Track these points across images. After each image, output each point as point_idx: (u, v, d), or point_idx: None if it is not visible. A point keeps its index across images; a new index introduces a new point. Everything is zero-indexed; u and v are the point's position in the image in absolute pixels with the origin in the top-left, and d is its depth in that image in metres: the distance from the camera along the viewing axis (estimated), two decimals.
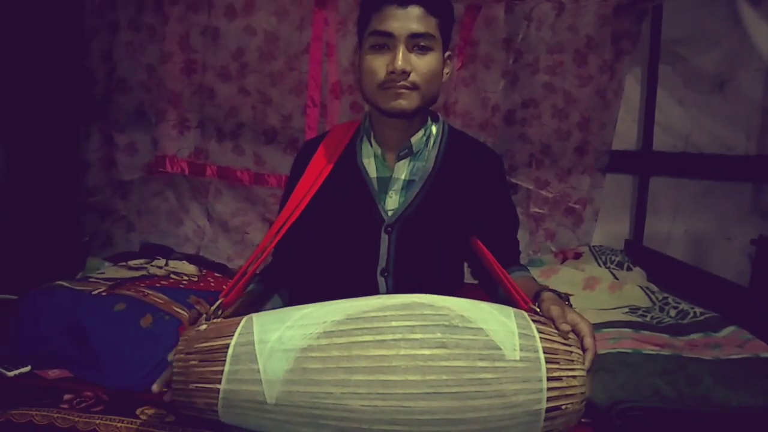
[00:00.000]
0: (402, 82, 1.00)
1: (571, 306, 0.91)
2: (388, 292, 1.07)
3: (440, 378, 0.70)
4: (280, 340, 0.74)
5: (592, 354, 0.81)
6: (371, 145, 1.11)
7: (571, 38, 2.27)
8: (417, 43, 1.00)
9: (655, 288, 2.03)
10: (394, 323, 0.73)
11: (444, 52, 1.06)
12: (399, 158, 1.09)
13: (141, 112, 2.30)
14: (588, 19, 2.26)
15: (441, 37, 1.03)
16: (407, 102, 1.02)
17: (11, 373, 1.35)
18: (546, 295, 0.94)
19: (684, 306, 1.84)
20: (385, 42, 1.00)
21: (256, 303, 1.08)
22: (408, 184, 1.08)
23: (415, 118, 1.07)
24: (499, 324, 0.76)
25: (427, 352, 0.71)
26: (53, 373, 1.39)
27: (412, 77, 1.01)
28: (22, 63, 1.95)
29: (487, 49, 2.28)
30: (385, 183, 1.09)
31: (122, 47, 2.23)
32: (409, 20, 0.99)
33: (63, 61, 2.15)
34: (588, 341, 0.82)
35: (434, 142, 1.11)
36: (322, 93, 2.25)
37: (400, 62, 0.99)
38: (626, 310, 1.87)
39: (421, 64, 1.01)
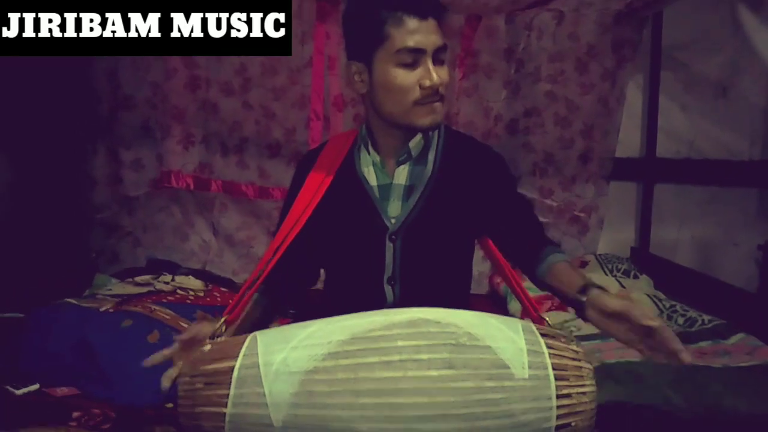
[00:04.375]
0: (437, 97, 1.00)
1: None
2: (395, 299, 1.07)
3: (448, 399, 0.69)
4: (285, 362, 0.74)
5: (675, 341, 0.78)
6: (369, 154, 1.10)
7: (572, 47, 2.28)
8: (438, 56, 1.00)
9: (662, 296, 2.02)
10: (400, 343, 0.73)
11: None
12: (398, 164, 1.09)
13: (146, 128, 2.32)
14: (588, 28, 2.26)
15: None
16: (439, 115, 1.03)
17: (19, 392, 1.36)
18: (596, 292, 0.87)
19: (692, 313, 1.83)
20: (414, 58, 0.98)
21: (259, 318, 1.08)
22: (408, 189, 1.07)
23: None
24: (507, 341, 0.75)
25: (434, 373, 0.70)
26: (61, 391, 1.40)
27: (441, 89, 1.00)
28: (29, 82, 1.97)
29: (488, 59, 2.29)
30: (386, 190, 1.08)
31: (127, 65, 2.25)
32: (431, 33, 0.99)
33: (69, 80, 2.17)
34: (667, 334, 0.79)
35: (432, 145, 1.10)
36: (325, 106, 2.26)
37: (436, 77, 0.98)
38: None
39: (444, 75, 1.01)
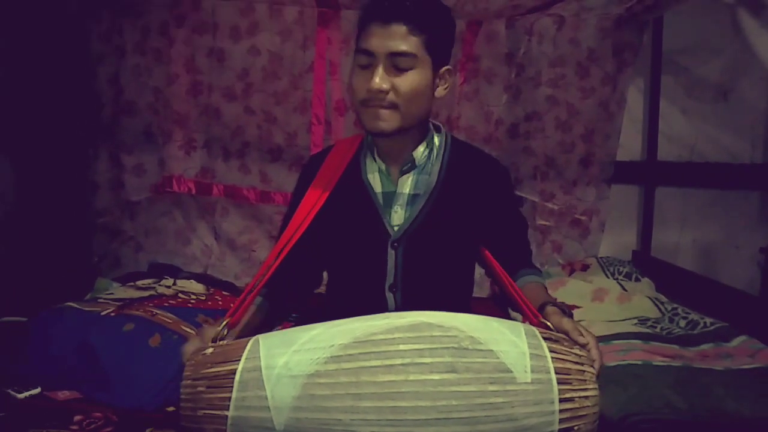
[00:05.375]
0: (380, 102, 1.00)
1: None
2: (397, 307, 1.07)
3: (450, 403, 0.69)
4: (287, 365, 0.74)
5: (600, 364, 0.82)
6: (375, 160, 1.11)
7: (573, 51, 2.28)
8: (396, 62, 0.99)
9: (664, 298, 2.02)
10: (402, 347, 0.73)
11: (436, 68, 1.04)
12: (402, 172, 1.09)
13: (148, 133, 2.32)
14: (589, 32, 2.27)
15: (429, 54, 1.02)
16: (386, 123, 1.01)
17: (21, 396, 1.36)
18: (551, 309, 0.94)
19: (694, 316, 1.83)
20: (369, 61, 1.00)
21: (261, 322, 1.08)
22: (412, 198, 1.08)
23: (407, 134, 1.07)
24: (509, 344, 0.75)
25: (436, 377, 0.71)
26: (63, 395, 1.40)
27: (391, 96, 1.00)
28: (33, 88, 1.99)
29: (489, 64, 2.30)
30: (390, 198, 1.09)
31: (129, 70, 2.26)
32: (390, 38, 0.98)
33: (71, 86, 2.18)
34: (595, 352, 0.82)
35: (437, 155, 1.11)
36: (327, 110, 2.28)
37: (376, 81, 0.98)
38: (635, 321, 1.86)
39: (401, 83, 1.00)
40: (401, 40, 0.99)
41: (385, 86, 0.99)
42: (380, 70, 0.98)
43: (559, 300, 1.05)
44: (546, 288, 1.10)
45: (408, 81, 1.00)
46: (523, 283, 1.08)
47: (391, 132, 1.03)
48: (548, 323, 0.90)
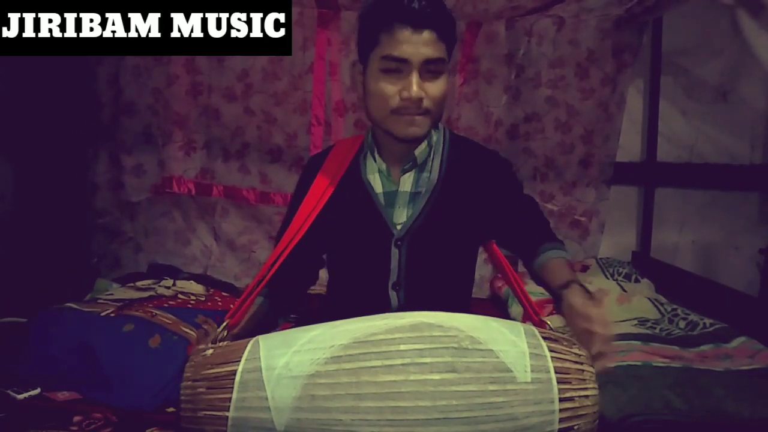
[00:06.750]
0: (416, 110, 1.00)
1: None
2: (400, 305, 1.07)
3: (451, 403, 0.69)
4: (287, 366, 0.74)
5: (609, 334, 0.80)
6: (375, 161, 1.11)
7: (572, 52, 2.29)
8: (429, 68, 0.99)
9: (663, 299, 2.02)
10: (402, 347, 0.73)
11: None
12: (404, 171, 1.09)
13: (148, 134, 2.33)
14: (588, 33, 2.27)
15: (449, 57, 1.04)
16: (420, 129, 1.02)
17: (21, 396, 1.36)
18: (573, 290, 0.89)
19: (693, 317, 1.83)
20: (398, 67, 0.99)
21: (262, 323, 1.08)
22: (414, 196, 1.08)
23: None
24: (509, 344, 0.75)
25: (436, 376, 0.71)
26: (62, 395, 1.40)
27: (425, 103, 1.00)
28: (33, 89, 1.99)
29: (488, 65, 2.30)
30: (392, 197, 1.09)
31: (128, 71, 2.26)
32: (423, 45, 0.98)
33: (71, 86, 2.19)
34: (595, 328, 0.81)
35: (437, 151, 1.11)
36: (326, 111, 2.28)
37: (415, 90, 0.98)
38: (635, 322, 1.86)
39: (433, 89, 1.00)
40: (434, 47, 0.98)
41: (423, 94, 0.99)
42: (416, 77, 0.98)
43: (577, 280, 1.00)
44: (568, 262, 1.04)
45: (439, 86, 1.01)
46: (545, 259, 1.03)
47: (423, 137, 1.04)
48: (548, 323, 0.89)
